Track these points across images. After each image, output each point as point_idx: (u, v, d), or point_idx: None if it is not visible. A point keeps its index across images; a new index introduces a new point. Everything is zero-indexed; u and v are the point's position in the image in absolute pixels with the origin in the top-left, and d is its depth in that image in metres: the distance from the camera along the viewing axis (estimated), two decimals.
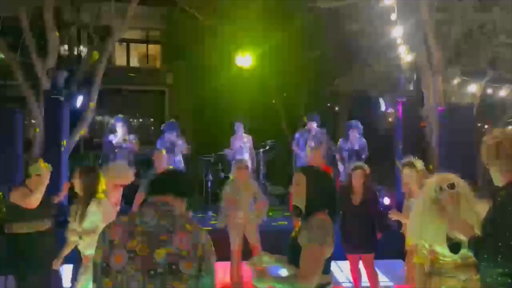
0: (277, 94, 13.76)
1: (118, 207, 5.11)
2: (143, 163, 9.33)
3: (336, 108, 15.63)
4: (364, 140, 8.42)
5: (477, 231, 2.41)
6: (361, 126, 8.45)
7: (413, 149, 6.43)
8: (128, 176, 5.01)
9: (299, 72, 14.05)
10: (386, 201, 7.22)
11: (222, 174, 9.43)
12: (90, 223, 3.83)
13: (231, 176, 5.74)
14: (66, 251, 4.11)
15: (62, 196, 5.03)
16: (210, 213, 8.17)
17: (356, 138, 8.34)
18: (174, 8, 13.06)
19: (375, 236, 5.03)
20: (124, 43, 17.04)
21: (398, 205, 5.23)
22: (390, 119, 12.08)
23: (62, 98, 7.15)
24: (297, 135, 8.89)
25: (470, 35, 7.88)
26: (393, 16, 6.99)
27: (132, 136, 8.12)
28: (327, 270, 2.44)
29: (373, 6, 7.77)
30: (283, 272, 2.52)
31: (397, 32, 7.11)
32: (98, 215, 3.81)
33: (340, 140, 8.68)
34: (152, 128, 17.42)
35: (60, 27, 9.05)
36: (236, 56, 12.18)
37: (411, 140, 7.32)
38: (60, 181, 6.30)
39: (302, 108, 13.97)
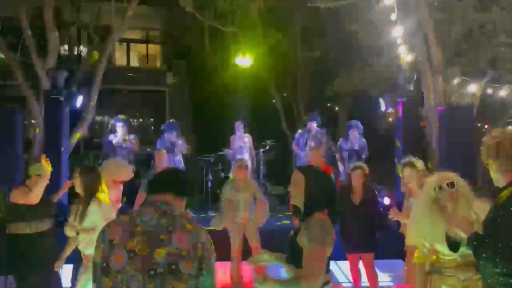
0: (277, 94, 13.76)
1: (119, 206, 5.11)
2: (143, 163, 9.34)
3: (336, 108, 15.63)
4: (364, 140, 8.43)
5: (477, 229, 2.42)
6: (361, 126, 8.45)
7: (413, 149, 6.43)
8: (127, 172, 5.00)
9: (299, 72, 14.07)
10: (386, 201, 7.22)
11: (222, 174, 9.43)
12: (90, 223, 3.83)
13: (231, 175, 5.74)
14: (68, 251, 4.11)
15: (61, 194, 5.02)
16: (210, 213, 8.16)
17: (356, 138, 8.34)
18: (174, 8, 13.05)
19: (375, 236, 5.04)
20: (124, 43, 17.04)
21: (398, 205, 5.23)
22: (390, 119, 12.09)
23: (62, 98, 7.15)
24: (297, 135, 8.89)
25: (470, 35, 7.88)
26: (393, 16, 6.99)
27: (132, 136, 8.12)
28: (326, 270, 2.44)
29: (373, 6, 7.77)
30: (284, 272, 2.51)
31: (397, 32, 7.11)
32: (99, 215, 3.81)
33: (340, 140, 8.68)
34: (152, 128, 17.43)
35: (60, 27, 9.04)
36: (236, 56, 12.19)
37: (411, 140, 7.31)
38: (60, 181, 6.30)
39: (302, 108, 13.97)
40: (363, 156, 8.25)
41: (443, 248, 2.92)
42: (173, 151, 7.94)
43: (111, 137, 8.02)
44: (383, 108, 8.13)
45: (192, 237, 1.87)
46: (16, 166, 6.57)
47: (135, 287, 1.79)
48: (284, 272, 2.52)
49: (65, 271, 4.56)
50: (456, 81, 7.54)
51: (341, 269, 6.06)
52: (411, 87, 7.23)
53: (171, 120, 8.77)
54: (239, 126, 8.96)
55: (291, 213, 6.80)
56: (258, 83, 13.72)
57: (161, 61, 18.03)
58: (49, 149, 7.21)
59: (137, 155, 8.57)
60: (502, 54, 7.81)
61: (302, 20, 13.03)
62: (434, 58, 7.53)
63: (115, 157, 7.52)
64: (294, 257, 2.41)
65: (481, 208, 2.65)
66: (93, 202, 3.87)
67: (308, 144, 8.30)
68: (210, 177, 9.13)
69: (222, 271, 5.51)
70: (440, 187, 2.92)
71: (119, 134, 8.02)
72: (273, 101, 14.05)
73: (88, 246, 3.77)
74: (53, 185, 4.70)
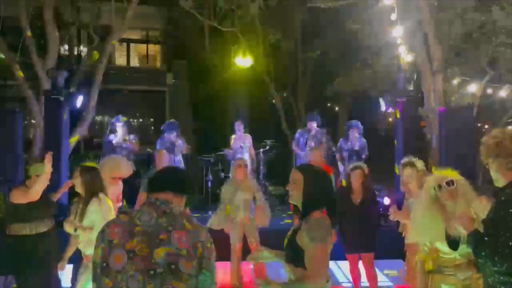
0: (277, 94, 13.77)
1: (119, 205, 5.11)
2: (143, 163, 9.35)
3: (336, 108, 15.64)
4: (364, 140, 8.42)
5: (477, 227, 2.43)
6: (361, 126, 8.45)
7: (413, 149, 6.42)
8: (125, 168, 5.00)
9: (299, 72, 14.07)
10: (386, 201, 7.22)
11: (222, 174, 9.43)
12: (89, 222, 3.84)
13: (231, 175, 5.75)
14: (69, 251, 4.12)
15: (60, 194, 5.02)
16: (210, 213, 8.14)
17: (356, 138, 8.34)
18: (174, 8, 13.06)
19: (374, 236, 5.04)
20: (124, 43, 17.04)
21: (398, 205, 5.22)
22: (390, 119, 12.09)
23: (62, 98, 7.14)
24: (297, 135, 8.89)
25: (470, 35, 7.89)
26: (393, 16, 7.00)
27: (132, 136, 8.12)
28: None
29: (373, 6, 7.78)
30: (285, 272, 2.50)
31: (397, 32, 7.11)
32: (98, 214, 3.81)
33: (340, 140, 8.68)
34: (152, 128, 17.43)
35: (60, 27, 9.05)
36: (236, 56, 12.19)
37: (411, 140, 7.31)
38: (60, 181, 6.29)
39: (302, 108, 13.98)
40: (363, 156, 8.25)
41: (443, 246, 2.94)
42: (173, 151, 7.93)
43: (111, 137, 8.03)
44: (383, 108, 8.13)
45: (191, 236, 1.87)
46: (16, 166, 6.56)
47: (135, 287, 1.79)
48: (285, 272, 2.52)
49: (65, 271, 4.56)
50: (456, 81, 7.54)
51: (341, 269, 6.06)
52: (411, 87, 7.23)
53: (171, 120, 8.77)
54: (239, 126, 8.96)
55: (292, 212, 6.82)
56: (258, 83, 13.73)
57: (161, 61, 18.04)
58: (49, 149, 7.19)
59: (137, 155, 8.57)
60: (502, 54, 7.81)
61: (302, 20, 13.04)
62: (434, 58, 7.53)
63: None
64: (293, 256, 2.41)
65: (481, 207, 2.65)
66: (93, 201, 3.88)
67: (308, 144, 8.30)
68: (210, 177, 9.13)
69: (222, 271, 5.51)
70: (440, 186, 2.94)
71: (119, 134, 8.02)
72: (273, 101, 14.05)
73: (88, 246, 3.77)
74: (53, 185, 4.69)
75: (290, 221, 7.41)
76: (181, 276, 1.81)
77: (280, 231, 2.63)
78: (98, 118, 15.22)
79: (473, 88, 7.56)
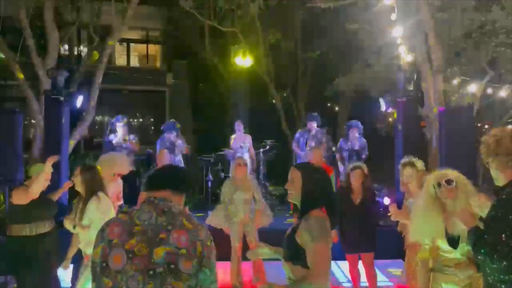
0: (277, 94, 13.77)
1: (120, 202, 5.11)
2: (143, 163, 9.35)
3: (336, 108, 15.65)
4: (364, 140, 8.43)
5: (477, 223, 2.44)
6: (361, 126, 8.45)
7: (413, 149, 6.42)
8: (124, 164, 5.00)
9: (299, 72, 14.08)
10: (386, 201, 7.22)
11: (222, 174, 9.43)
12: (88, 220, 3.85)
13: (230, 174, 5.76)
14: (72, 251, 4.15)
15: (60, 193, 5.02)
16: (210, 213, 8.15)
17: (356, 138, 8.35)
18: (174, 8, 13.06)
19: (374, 236, 5.04)
20: (124, 43, 17.04)
21: (398, 205, 5.23)
22: (390, 119, 12.09)
23: (62, 98, 7.15)
24: (297, 135, 8.90)
25: (470, 35, 7.89)
26: (393, 16, 7.00)
27: (132, 136, 8.12)
28: None
29: (373, 6, 7.78)
30: (286, 273, 2.49)
31: (397, 32, 7.11)
32: (97, 213, 3.82)
33: (340, 140, 8.68)
34: (152, 128, 17.44)
35: (60, 27, 9.05)
36: (236, 56, 12.19)
37: (411, 140, 7.31)
38: (60, 181, 6.29)
39: (302, 108, 13.98)
40: (363, 156, 8.25)
41: (443, 244, 2.95)
42: (173, 151, 7.94)
43: (111, 137, 8.03)
44: (383, 108, 8.13)
45: (190, 235, 1.85)
46: (16, 166, 6.55)
47: (135, 287, 1.79)
48: (285, 273, 2.51)
49: (65, 272, 4.56)
50: (456, 81, 7.54)
51: (341, 269, 6.06)
52: (411, 87, 7.23)
53: (171, 120, 8.77)
54: (239, 126, 8.96)
55: (292, 211, 6.81)
56: (258, 83, 13.73)
57: (161, 61, 18.05)
58: (49, 149, 7.22)
59: (137, 155, 8.58)
60: (502, 54, 7.81)
61: (302, 20, 13.04)
62: (434, 58, 7.54)
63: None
64: (292, 254, 2.41)
65: (480, 204, 2.66)
66: (92, 200, 3.88)
67: (308, 144, 8.31)
68: (210, 177, 9.14)
69: (222, 271, 5.51)
70: (439, 184, 2.95)
71: (119, 134, 8.02)
72: (273, 101, 14.05)
73: (88, 246, 3.77)
74: (53, 185, 4.69)
75: (292, 220, 7.40)
76: (181, 276, 1.80)
77: (281, 231, 2.62)
78: (98, 118, 15.22)
79: (473, 88, 7.56)
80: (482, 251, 2.28)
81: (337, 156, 8.55)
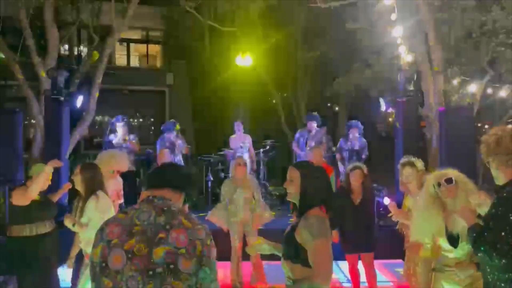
0: (277, 94, 13.77)
1: (120, 201, 5.12)
2: (143, 163, 9.35)
3: (336, 108, 15.65)
4: (364, 140, 8.43)
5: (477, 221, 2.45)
6: (361, 126, 8.46)
7: (413, 149, 6.42)
8: (122, 160, 5.01)
9: (299, 72, 14.07)
10: (386, 201, 7.22)
11: (222, 174, 9.43)
12: (86, 219, 3.86)
13: (230, 174, 5.77)
14: (75, 250, 4.16)
15: (60, 195, 5.03)
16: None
17: (356, 138, 8.35)
18: (174, 8, 13.06)
19: (374, 236, 5.05)
20: (124, 43, 17.04)
21: (398, 205, 5.23)
22: (390, 119, 12.09)
23: (62, 98, 7.15)
24: (297, 135, 8.90)
25: (470, 35, 7.88)
26: (393, 16, 7.00)
27: (132, 136, 8.12)
28: None
29: (373, 6, 7.78)
30: (286, 273, 2.49)
31: (397, 32, 7.11)
32: (95, 211, 3.82)
33: (340, 140, 8.68)
34: (152, 128, 17.44)
35: (60, 27, 9.05)
36: (236, 56, 12.19)
37: (411, 140, 7.31)
38: (60, 181, 6.30)
39: (302, 108, 13.98)
40: (363, 156, 8.25)
41: (444, 243, 2.96)
42: (173, 151, 7.94)
43: (111, 137, 8.03)
44: (383, 108, 8.13)
45: (190, 234, 1.84)
46: (16, 166, 6.56)
47: (135, 287, 1.78)
48: (284, 272, 2.51)
49: (66, 271, 4.56)
50: (456, 81, 7.54)
51: (341, 269, 6.06)
52: (411, 87, 7.23)
53: (171, 120, 8.77)
54: (238, 126, 8.97)
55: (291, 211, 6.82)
56: (258, 83, 13.73)
57: (161, 61, 18.05)
58: (49, 149, 7.22)
59: (137, 155, 8.58)
60: (502, 54, 7.80)
61: (302, 20, 13.04)
62: (434, 58, 7.53)
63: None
64: (291, 253, 2.42)
65: (481, 202, 2.67)
66: (91, 199, 3.88)
67: (308, 144, 8.31)
68: (210, 177, 9.14)
69: (222, 270, 5.51)
70: (439, 184, 2.96)
71: (119, 134, 8.03)
72: (273, 101, 14.05)
73: (88, 245, 3.76)
74: (53, 185, 4.69)
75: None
76: (180, 276, 1.79)
77: (282, 231, 2.62)
78: (98, 118, 15.22)
79: (473, 88, 7.55)
80: (482, 248, 2.29)
81: (337, 156, 8.55)
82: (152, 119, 17.89)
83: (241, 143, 8.78)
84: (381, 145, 10.43)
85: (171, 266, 1.79)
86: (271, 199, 8.93)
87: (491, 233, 2.28)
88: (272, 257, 3.06)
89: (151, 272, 1.78)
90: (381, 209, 6.40)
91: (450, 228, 2.93)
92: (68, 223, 3.97)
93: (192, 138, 14.07)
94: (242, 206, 5.43)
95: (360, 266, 5.06)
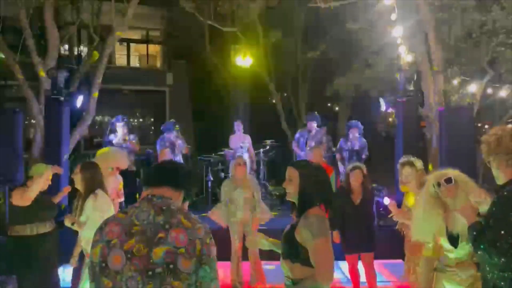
0: (277, 94, 13.77)
1: (121, 199, 5.11)
2: (143, 163, 9.35)
3: (336, 108, 15.65)
4: (364, 140, 8.43)
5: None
6: (361, 126, 8.46)
7: (413, 149, 6.42)
8: (121, 157, 5.01)
9: (299, 72, 14.07)
10: (386, 201, 7.22)
11: (222, 174, 9.43)
12: (85, 217, 3.86)
13: (230, 174, 5.76)
14: (79, 249, 4.16)
15: (60, 197, 5.03)
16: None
17: (356, 138, 8.35)
18: (174, 8, 13.06)
19: (374, 236, 5.05)
20: (124, 43, 17.03)
21: (398, 205, 5.24)
22: (390, 119, 12.10)
23: (62, 98, 7.15)
24: (297, 135, 8.90)
25: (470, 35, 7.88)
26: (393, 16, 7.00)
27: (132, 136, 8.13)
28: None
29: (373, 6, 7.78)
30: (286, 272, 2.49)
31: (397, 32, 7.11)
32: (94, 210, 3.82)
33: (340, 140, 8.68)
34: (152, 128, 17.43)
35: (60, 26, 9.04)
36: (236, 56, 12.19)
37: (411, 140, 7.31)
38: (60, 181, 6.30)
39: (302, 108, 13.98)
40: (363, 156, 8.25)
41: (445, 243, 2.97)
42: (173, 151, 7.95)
43: (111, 137, 8.04)
44: (383, 108, 8.13)
45: (189, 233, 1.84)
46: (16, 166, 6.56)
47: (134, 287, 1.78)
48: (283, 271, 2.51)
49: (66, 271, 4.57)
50: (456, 81, 7.54)
51: (341, 269, 6.06)
52: (411, 87, 7.23)
53: (171, 120, 8.77)
54: (238, 126, 8.96)
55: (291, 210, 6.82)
56: (258, 83, 13.73)
57: (161, 61, 18.04)
58: (49, 149, 7.22)
59: (137, 155, 8.58)
60: (502, 54, 7.80)
61: (302, 20, 13.04)
62: (434, 58, 7.53)
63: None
64: (291, 252, 2.42)
65: (481, 201, 2.67)
66: (89, 197, 3.89)
67: (308, 144, 8.31)
68: (210, 177, 9.13)
69: (222, 270, 5.51)
70: (439, 184, 2.96)
71: (119, 134, 8.03)
72: (273, 101, 14.05)
73: (89, 244, 3.76)
74: (53, 185, 4.69)
75: None
76: (180, 275, 1.79)
77: (282, 231, 2.62)
78: (98, 118, 15.22)
79: (473, 88, 7.56)
80: (482, 247, 2.30)
81: (337, 156, 8.55)
82: (152, 119, 17.89)
83: (240, 143, 8.78)
84: (381, 145, 10.43)
85: (171, 266, 1.78)
86: (271, 199, 8.93)
87: (491, 231, 2.28)
88: (271, 257, 3.07)
89: (150, 273, 1.78)
90: (381, 209, 6.40)
91: (450, 228, 2.94)
92: (67, 222, 3.98)
93: (192, 138, 14.06)
94: (242, 206, 5.42)
95: (360, 266, 5.07)
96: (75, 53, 14.91)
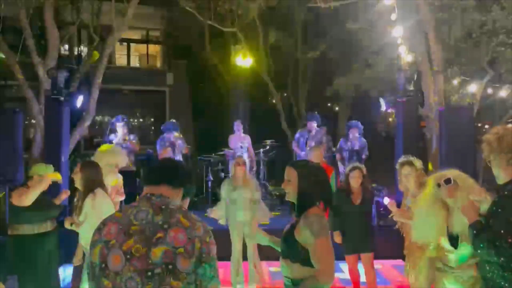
0: (277, 94, 13.78)
1: (122, 198, 5.11)
2: (143, 163, 9.35)
3: (336, 108, 15.65)
4: (364, 140, 8.43)
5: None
6: (361, 126, 8.46)
7: (413, 149, 6.42)
8: (119, 155, 5.01)
9: (299, 72, 14.08)
10: (386, 201, 7.22)
11: (222, 174, 9.43)
12: (83, 216, 3.86)
13: (230, 173, 5.77)
14: (80, 248, 4.18)
15: (60, 200, 5.03)
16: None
17: (356, 138, 8.35)
18: (174, 8, 13.06)
19: (374, 236, 5.05)
20: (124, 43, 17.04)
21: (397, 205, 5.24)
22: (390, 119, 12.10)
23: (62, 98, 7.15)
24: (297, 135, 8.90)
25: (470, 35, 7.89)
26: (393, 16, 7.00)
27: (132, 136, 8.13)
28: None
29: (373, 6, 7.78)
30: (285, 272, 2.49)
31: (397, 32, 7.11)
32: (93, 209, 3.82)
33: (340, 140, 8.68)
34: (152, 128, 17.44)
35: (60, 26, 9.04)
36: (236, 56, 12.19)
37: (411, 140, 7.31)
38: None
39: (302, 108, 13.98)
40: (363, 156, 8.25)
41: (446, 243, 2.97)
42: (173, 151, 7.95)
43: (111, 137, 8.04)
44: (383, 108, 8.13)
45: (188, 232, 1.82)
46: (16, 166, 6.56)
47: (134, 287, 1.78)
48: (283, 271, 2.51)
49: (66, 271, 4.57)
50: (456, 81, 7.54)
51: (341, 269, 6.06)
52: (411, 87, 7.23)
53: (171, 120, 8.78)
54: (238, 126, 8.97)
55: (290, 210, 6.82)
56: (258, 83, 13.73)
57: (161, 61, 18.05)
58: (49, 149, 7.22)
59: (137, 155, 8.58)
60: (502, 54, 7.81)
61: (302, 20, 13.05)
62: (434, 58, 7.53)
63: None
64: (290, 251, 2.42)
65: (481, 200, 2.67)
66: (88, 197, 3.89)
67: (308, 144, 8.31)
68: (210, 177, 9.14)
69: (222, 271, 5.51)
70: (439, 185, 2.97)
71: (119, 134, 8.03)
72: (273, 101, 14.06)
73: (88, 243, 3.77)
74: (54, 186, 4.69)
75: None
76: (179, 275, 1.78)
77: (282, 231, 2.63)
78: (98, 118, 15.22)
79: (473, 88, 7.56)
80: (481, 245, 2.30)
81: (337, 156, 8.55)
82: (152, 119, 17.89)
83: (240, 143, 8.78)
84: (381, 145, 10.43)
85: (170, 266, 1.78)
86: (271, 199, 8.93)
87: (490, 230, 2.29)
88: (272, 257, 3.07)
89: (149, 273, 1.77)
90: (381, 209, 6.41)
91: (451, 228, 2.94)
92: (67, 224, 3.99)
93: (192, 138, 14.07)
94: (242, 206, 5.42)
95: (360, 266, 5.07)
96: (75, 53, 14.92)
